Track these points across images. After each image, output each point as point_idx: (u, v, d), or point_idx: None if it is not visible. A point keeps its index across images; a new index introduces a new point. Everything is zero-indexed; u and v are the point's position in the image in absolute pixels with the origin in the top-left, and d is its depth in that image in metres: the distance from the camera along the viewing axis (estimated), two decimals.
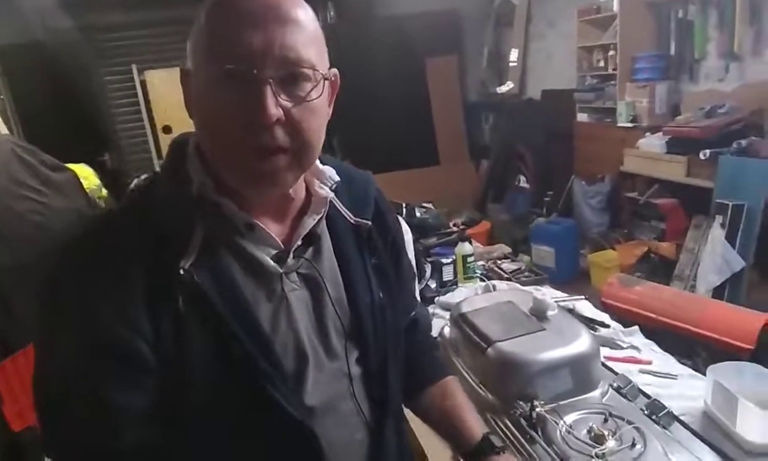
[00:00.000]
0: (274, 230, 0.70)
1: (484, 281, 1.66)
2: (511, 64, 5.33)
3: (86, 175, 2.46)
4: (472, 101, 5.93)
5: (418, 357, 0.94)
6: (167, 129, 5.09)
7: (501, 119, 5.35)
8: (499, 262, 1.84)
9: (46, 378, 0.64)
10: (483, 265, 1.86)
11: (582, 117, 4.41)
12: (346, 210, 0.78)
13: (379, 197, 0.84)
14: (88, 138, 4.62)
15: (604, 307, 1.83)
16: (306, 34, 0.63)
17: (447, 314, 1.52)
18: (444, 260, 1.67)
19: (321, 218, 0.73)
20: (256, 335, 0.65)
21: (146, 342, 0.61)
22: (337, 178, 0.76)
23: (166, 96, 5.11)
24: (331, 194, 0.74)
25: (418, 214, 2.37)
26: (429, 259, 1.80)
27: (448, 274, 1.67)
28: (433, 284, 1.71)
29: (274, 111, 0.60)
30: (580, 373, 1.07)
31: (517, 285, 1.56)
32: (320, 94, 0.64)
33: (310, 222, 0.72)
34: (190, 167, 0.68)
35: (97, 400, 0.60)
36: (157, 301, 0.62)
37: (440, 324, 1.46)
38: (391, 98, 5.57)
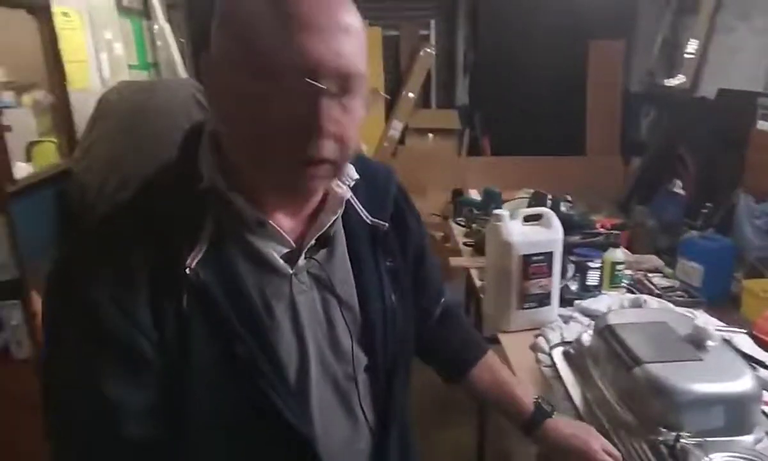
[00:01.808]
0: (286, 227, 0.68)
1: (634, 292, 1.59)
2: (686, 56, 4.83)
3: None
4: (634, 92, 5.49)
5: (458, 341, 0.99)
6: None
7: (664, 115, 4.91)
8: (649, 275, 1.74)
9: (49, 368, 0.64)
10: (631, 275, 1.77)
11: (764, 125, 3.90)
12: (362, 209, 0.75)
13: (399, 195, 0.82)
14: None
15: (755, 341, 1.66)
16: (359, 45, 0.61)
17: (586, 320, 1.49)
18: (591, 264, 1.62)
19: (336, 218, 0.71)
20: (259, 337, 0.64)
21: (149, 340, 0.60)
22: (356, 175, 0.73)
23: None
24: (349, 193, 0.73)
25: (563, 208, 2.30)
26: (573, 259, 1.75)
27: (593, 279, 1.62)
28: (573, 286, 1.67)
29: (330, 125, 0.59)
30: (735, 413, 1.01)
31: (670, 305, 1.47)
32: (363, 106, 0.63)
33: (325, 222, 0.70)
34: (202, 159, 0.66)
35: (96, 394, 0.60)
36: (161, 298, 0.61)
37: (578, 330, 1.44)
38: (544, 78, 5.35)
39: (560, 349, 1.38)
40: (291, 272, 0.68)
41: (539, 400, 0.95)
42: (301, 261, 0.69)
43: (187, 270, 0.61)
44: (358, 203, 0.75)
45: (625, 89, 5.52)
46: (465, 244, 2.15)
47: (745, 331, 1.41)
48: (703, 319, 1.34)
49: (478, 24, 5.65)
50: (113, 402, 0.60)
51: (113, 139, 1.51)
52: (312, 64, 0.57)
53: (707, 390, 0.99)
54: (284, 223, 0.68)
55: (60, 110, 2.97)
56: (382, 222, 0.77)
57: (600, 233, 2.05)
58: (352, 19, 0.61)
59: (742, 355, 1.28)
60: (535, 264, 1.44)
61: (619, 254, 1.64)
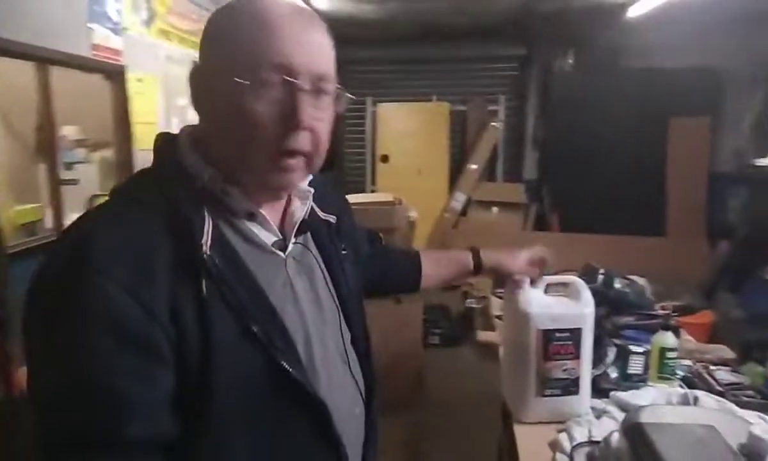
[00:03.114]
0: (269, 218, 0.75)
1: (683, 388, 1.30)
2: None
3: None
4: (721, 171, 5.07)
5: (399, 262, 1.21)
6: (385, 159, 5.41)
7: (757, 197, 4.45)
8: (712, 368, 1.44)
9: (51, 356, 0.62)
10: (689, 367, 1.47)
11: None
12: (316, 206, 0.85)
13: (333, 191, 0.95)
14: None
15: None
16: (330, 54, 0.71)
17: (622, 417, 1.23)
18: (634, 348, 1.36)
19: (308, 207, 0.80)
20: (271, 316, 0.70)
21: (163, 330, 0.62)
22: (310, 175, 0.81)
23: (390, 127, 5.45)
24: (311, 189, 0.80)
25: (617, 285, 2.03)
26: (617, 342, 1.49)
27: (636, 366, 1.35)
28: (613, 374, 1.40)
29: (305, 118, 0.67)
30: None
31: (732, 406, 1.18)
32: (333, 109, 0.73)
33: (299, 210, 0.79)
34: (188, 160, 0.71)
35: (106, 387, 0.60)
36: (180, 287, 0.63)
37: (610, 427, 1.18)
38: (620, 156, 5.11)
39: (585, 451, 1.13)
40: (284, 256, 0.76)
41: (471, 251, 1.22)
42: (291, 246, 0.77)
43: (205, 255, 0.65)
44: (313, 203, 0.84)
45: (711, 169, 5.11)
46: (498, 317, 1.93)
47: None
48: (765, 426, 1.04)
49: (549, 99, 5.55)
50: (123, 397, 0.60)
51: None
52: (289, 64, 0.66)
53: None
54: (267, 215, 0.75)
55: (124, 167, 3.15)
56: (331, 216, 0.88)
57: (658, 316, 1.76)
58: (325, 34, 0.71)
59: None
60: (559, 342, 1.21)
61: (671, 338, 1.36)
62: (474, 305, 3.90)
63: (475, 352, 3.91)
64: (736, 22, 4.33)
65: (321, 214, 0.87)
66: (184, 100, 3.75)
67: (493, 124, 5.42)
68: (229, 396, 0.65)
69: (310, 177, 0.82)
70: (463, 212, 5.32)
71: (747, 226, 4.39)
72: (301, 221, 0.79)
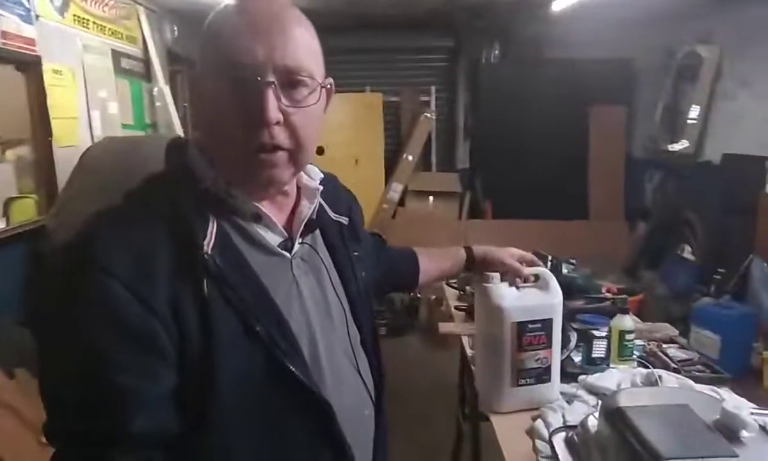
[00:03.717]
0: (275, 219, 0.75)
1: (648, 367, 1.38)
2: (688, 122, 4.78)
3: None
4: (637, 157, 5.43)
5: (398, 262, 1.22)
6: (320, 150, 5.32)
7: (669, 180, 4.81)
8: (665, 346, 1.54)
9: (57, 352, 0.64)
10: (643, 345, 1.57)
11: None
12: (328, 208, 0.86)
13: (346, 193, 0.97)
14: None
15: None
16: (305, 46, 0.70)
17: (592, 400, 1.29)
18: (597, 333, 1.43)
19: (315, 206, 0.80)
20: (274, 316, 0.70)
21: (165, 328, 0.63)
22: (321, 174, 0.84)
23: (327, 120, 5.37)
24: (321, 187, 0.81)
25: (564, 270, 2.12)
26: (575, 326, 1.56)
27: (599, 350, 1.42)
28: (577, 358, 1.47)
29: (274, 113, 0.66)
30: None
31: (690, 382, 1.27)
32: (317, 101, 0.72)
33: (306, 209, 0.78)
34: (195, 164, 0.72)
35: (108, 382, 0.61)
36: (181, 286, 0.64)
37: (582, 410, 1.23)
38: (546, 143, 5.33)
39: (562, 435, 1.17)
40: (290, 256, 0.76)
41: (464, 250, 1.26)
42: (297, 246, 0.77)
43: (206, 256, 0.65)
44: (324, 202, 0.84)
45: (628, 154, 5.46)
46: (457, 308, 1.96)
47: None
48: (732, 401, 1.13)
49: (477, 90, 5.69)
50: (125, 392, 0.61)
51: (91, 195, 1.49)
52: (252, 59, 0.66)
53: None
54: (275, 215, 0.75)
55: (43, 166, 2.88)
56: (343, 218, 0.89)
57: (606, 298, 1.86)
58: (299, 26, 0.70)
59: None
60: (531, 333, 1.25)
61: (628, 321, 1.44)
62: (420, 295, 3.96)
63: (421, 341, 3.97)
64: (648, 17, 4.63)
65: (332, 214, 0.87)
66: (105, 92, 3.50)
67: (426, 114, 5.49)
68: (232, 394, 0.66)
69: (321, 175, 0.83)
70: (401, 202, 5.36)
71: (661, 208, 4.74)
72: (308, 221, 0.79)
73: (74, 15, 3.15)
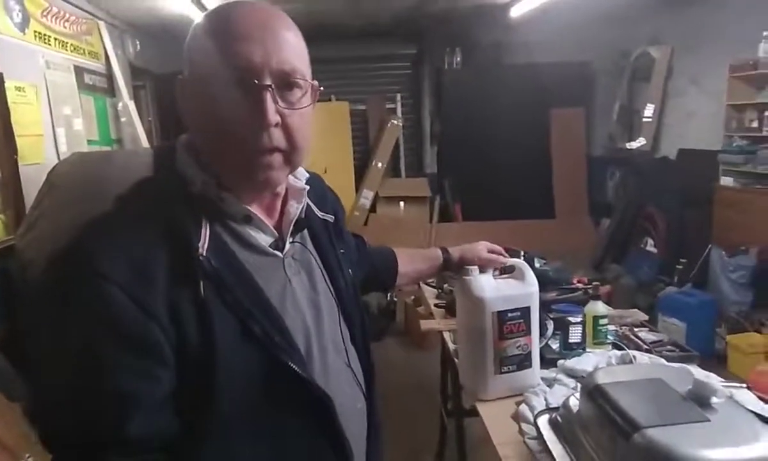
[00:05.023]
0: (267, 220, 0.77)
1: (623, 348, 1.46)
2: (644, 120, 4.99)
3: None
4: (597, 156, 5.63)
5: (377, 262, 1.22)
6: None
7: (629, 177, 5.00)
8: (636, 330, 1.62)
9: (55, 358, 0.64)
10: (615, 330, 1.65)
11: (726, 181, 3.98)
12: (314, 206, 0.87)
13: (329, 192, 0.97)
14: None
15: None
16: (297, 50, 0.72)
17: (572, 382, 1.35)
18: (572, 319, 1.50)
19: (303, 206, 0.81)
20: (269, 315, 0.70)
21: (163, 331, 0.63)
22: (307, 174, 0.84)
23: None
24: (307, 187, 0.81)
25: (537, 265, 2.20)
26: (552, 316, 1.63)
27: (575, 336, 1.49)
28: (554, 345, 1.53)
29: (273, 115, 0.68)
30: None
31: (662, 360, 1.35)
32: (310, 103, 0.73)
33: (294, 209, 0.79)
34: (185, 168, 0.73)
35: (107, 387, 0.61)
36: (177, 289, 0.64)
37: (563, 392, 1.29)
38: (510, 146, 5.46)
39: (546, 417, 1.22)
40: (282, 256, 0.77)
41: (440, 251, 1.32)
42: (287, 246, 0.78)
43: (201, 257, 0.66)
44: (311, 201, 0.85)
45: (589, 154, 5.65)
46: (436, 306, 2.01)
47: (744, 385, 1.29)
48: (701, 373, 1.21)
49: (441, 96, 5.80)
50: (121, 396, 0.61)
51: (61, 211, 1.44)
52: (249, 63, 0.67)
53: (724, 457, 0.85)
54: (264, 216, 0.77)
55: (9, 185, 2.82)
56: (329, 216, 0.90)
57: (577, 289, 1.94)
58: (290, 31, 0.72)
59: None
60: (511, 322, 1.31)
61: (600, 307, 1.52)
62: (396, 298, 4.00)
63: (399, 343, 4.01)
64: (604, 20, 4.82)
65: (319, 213, 0.88)
66: (69, 109, 3.44)
67: (393, 121, 5.56)
68: (232, 395, 0.66)
69: (306, 175, 0.84)
70: (372, 209, 5.40)
71: (623, 203, 4.92)
72: (297, 220, 0.80)
73: (35, 31, 3.09)
